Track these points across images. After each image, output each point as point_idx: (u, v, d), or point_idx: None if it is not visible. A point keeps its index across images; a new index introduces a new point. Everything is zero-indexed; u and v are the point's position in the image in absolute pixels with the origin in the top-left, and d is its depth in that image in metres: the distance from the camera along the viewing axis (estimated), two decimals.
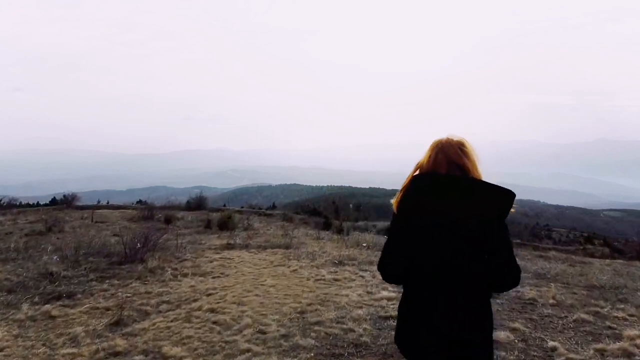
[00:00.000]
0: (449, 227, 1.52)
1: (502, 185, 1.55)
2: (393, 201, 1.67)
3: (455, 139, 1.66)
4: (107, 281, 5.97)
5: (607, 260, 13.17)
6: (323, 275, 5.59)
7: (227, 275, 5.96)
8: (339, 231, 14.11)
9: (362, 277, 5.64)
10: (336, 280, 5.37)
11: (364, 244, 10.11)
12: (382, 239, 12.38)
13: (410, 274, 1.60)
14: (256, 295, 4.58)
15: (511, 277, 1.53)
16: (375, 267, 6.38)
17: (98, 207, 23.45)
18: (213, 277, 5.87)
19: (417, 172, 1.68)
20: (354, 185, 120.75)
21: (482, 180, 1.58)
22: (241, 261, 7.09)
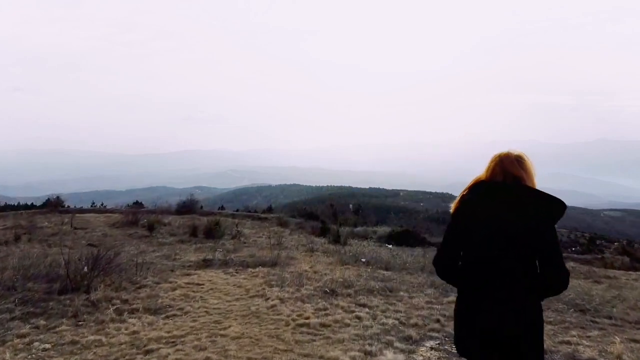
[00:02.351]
0: (499, 231, 1.63)
1: (554, 195, 1.66)
2: (451, 205, 1.81)
3: (514, 153, 1.80)
4: (33, 320, 4.66)
5: (633, 274, 11.87)
6: (308, 317, 4.27)
7: (186, 313, 4.65)
8: (336, 240, 12.80)
9: (359, 318, 4.32)
10: (324, 325, 4.04)
11: (363, 259, 8.80)
12: (383, 251, 11.07)
13: (462, 274, 1.73)
14: (208, 358, 3.26)
15: (559, 281, 1.62)
16: (375, 303, 5.07)
17: (82, 211, 22.13)
18: (167, 317, 4.55)
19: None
20: (354, 185, 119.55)
21: (534, 188, 1.71)
22: (211, 289, 5.77)
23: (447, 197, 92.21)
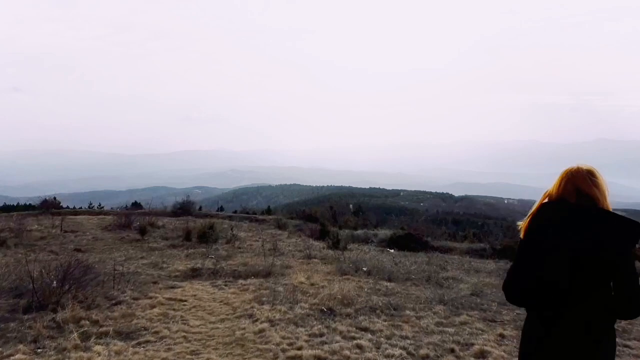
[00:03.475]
0: (574, 254, 1.54)
1: (629, 217, 1.59)
2: (520, 225, 1.71)
3: (584, 168, 1.68)
4: None
5: None
6: (300, 347, 3.67)
7: (162, 339, 4.05)
8: (335, 245, 12.20)
9: (360, 348, 3.72)
10: (319, 358, 3.43)
11: (364, 268, 8.20)
12: (385, 258, 10.46)
13: (533, 298, 1.63)
14: None
15: (635, 307, 1.54)
16: (379, 326, 4.46)
17: (75, 212, 21.50)
18: (138, 343, 3.95)
19: (545, 200, 1.70)
20: (354, 185, 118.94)
21: (611, 212, 1.62)
22: (194, 306, 5.17)
23: (447, 197, 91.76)
